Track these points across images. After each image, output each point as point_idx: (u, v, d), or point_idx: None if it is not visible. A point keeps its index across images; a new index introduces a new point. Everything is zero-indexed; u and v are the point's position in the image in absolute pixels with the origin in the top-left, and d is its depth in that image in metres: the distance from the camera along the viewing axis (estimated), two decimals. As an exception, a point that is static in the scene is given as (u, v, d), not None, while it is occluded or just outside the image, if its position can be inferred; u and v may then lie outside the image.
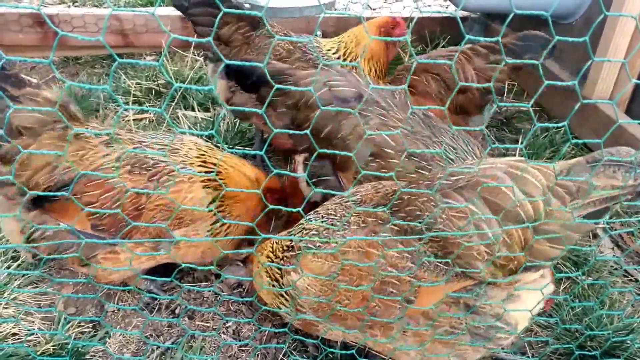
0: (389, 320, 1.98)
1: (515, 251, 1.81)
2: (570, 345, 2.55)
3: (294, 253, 2.22)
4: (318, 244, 2.11)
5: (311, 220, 2.24)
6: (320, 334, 2.29)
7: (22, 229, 2.45)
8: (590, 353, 2.56)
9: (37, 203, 2.41)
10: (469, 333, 1.97)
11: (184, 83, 4.45)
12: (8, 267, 2.89)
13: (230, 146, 3.86)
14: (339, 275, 2.00)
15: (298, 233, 2.27)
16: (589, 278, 3.04)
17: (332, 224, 2.13)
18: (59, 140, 2.42)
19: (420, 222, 1.89)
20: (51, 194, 2.14)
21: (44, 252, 2.47)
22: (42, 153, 2.33)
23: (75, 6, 6.03)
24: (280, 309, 2.37)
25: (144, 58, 5.22)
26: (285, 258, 2.27)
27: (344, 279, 1.99)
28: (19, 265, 2.93)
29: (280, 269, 2.28)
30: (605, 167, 1.77)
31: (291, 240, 2.25)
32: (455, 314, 1.93)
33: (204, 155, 2.68)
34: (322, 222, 2.17)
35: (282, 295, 2.30)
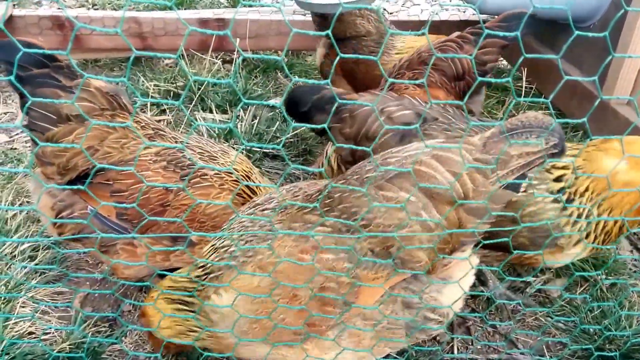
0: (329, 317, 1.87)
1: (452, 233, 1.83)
2: (589, 347, 2.52)
3: (213, 275, 2.03)
4: (242, 260, 1.94)
5: (225, 239, 2.09)
6: (232, 353, 2.11)
7: (53, 205, 2.53)
8: (609, 354, 2.54)
9: (71, 183, 2.50)
10: (405, 328, 1.96)
11: (201, 85, 4.49)
12: (25, 267, 2.92)
13: (248, 147, 3.88)
14: (272, 290, 1.84)
15: (211, 256, 2.09)
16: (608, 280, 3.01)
17: (253, 236, 1.99)
18: (105, 126, 2.52)
19: (357, 220, 1.83)
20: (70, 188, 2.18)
21: (69, 232, 2.53)
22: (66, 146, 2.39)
23: (95, 9, 6.10)
24: (188, 336, 2.15)
25: (162, 61, 5.27)
26: (199, 282, 2.08)
27: (278, 292, 1.84)
28: (36, 264, 2.96)
29: (190, 295, 2.09)
30: (518, 135, 1.82)
31: (204, 264, 2.08)
32: (392, 312, 1.91)
33: (246, 171, 2.73)
34: (241, 235, 2.02)
35: (189, 320, 2.11)
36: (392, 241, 1.81)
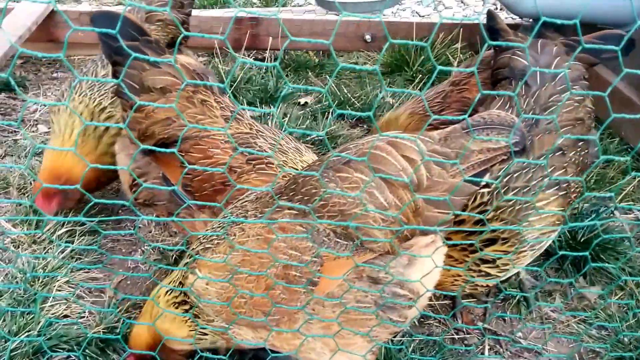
0: (294, 308, 1.95)
1: (408, 215, 1.87)
2: (630, 354, 2.48)
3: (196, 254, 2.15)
4: (217, 241, 2.09)
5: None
6: (232, 342, 2.20)
7: (132, 169, 2.68)
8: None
9: (150, 151, 2.60)
10: (375, 305, 1.97)
11: (234, 82, 4.54)
12: (62, 251, 2.98)
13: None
14: (239, 267, 1.97)
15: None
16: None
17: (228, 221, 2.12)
18: (185, 101, 2.62)
19: (316, 200, 1.92)
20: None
21: (142, 196, 2.68)
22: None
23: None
24: (200, 333, 2.22)
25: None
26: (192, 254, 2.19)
27: (245, 269, 1.96)
28: (72, 250, 3.01)
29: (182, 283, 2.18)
30: (479, 131, 1.89)
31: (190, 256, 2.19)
32: (360, 287, 1.94)
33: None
34: (220, 221, 2.17)
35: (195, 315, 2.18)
36: (349, 221, 1.89)
